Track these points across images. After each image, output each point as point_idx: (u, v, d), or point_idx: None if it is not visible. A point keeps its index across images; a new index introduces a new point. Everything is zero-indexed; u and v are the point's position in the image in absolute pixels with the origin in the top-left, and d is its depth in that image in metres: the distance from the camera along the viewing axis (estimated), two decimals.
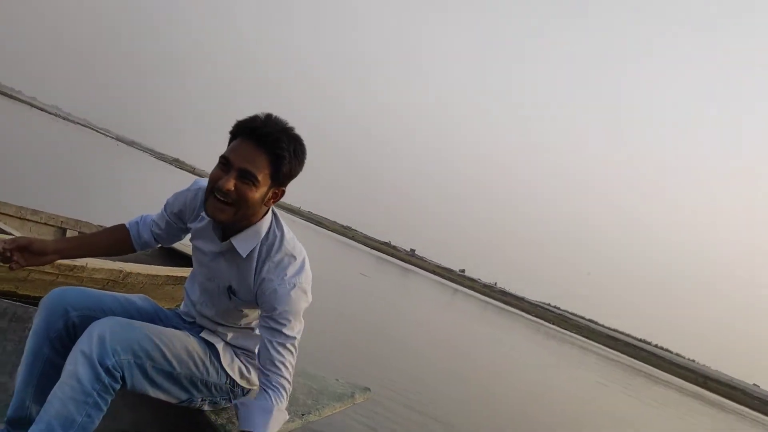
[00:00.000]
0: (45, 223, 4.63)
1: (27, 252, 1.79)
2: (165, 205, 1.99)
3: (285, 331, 1.73)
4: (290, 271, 1.75)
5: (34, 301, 2.88)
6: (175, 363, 1.74)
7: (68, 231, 4.75)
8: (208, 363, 1.85)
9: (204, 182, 1.82)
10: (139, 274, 3.97)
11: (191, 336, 1.86)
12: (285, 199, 1.80)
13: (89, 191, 13.76)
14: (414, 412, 5.40)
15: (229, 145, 1.68)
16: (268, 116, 1.67)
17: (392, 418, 4.90)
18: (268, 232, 1.78)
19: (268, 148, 1.64)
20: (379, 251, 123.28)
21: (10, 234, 3.50)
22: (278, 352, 1.73)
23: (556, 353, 26.02)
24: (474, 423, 6.14)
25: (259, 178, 1.64)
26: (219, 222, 1.72)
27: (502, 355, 15.91)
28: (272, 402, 1.69)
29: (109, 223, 5.33)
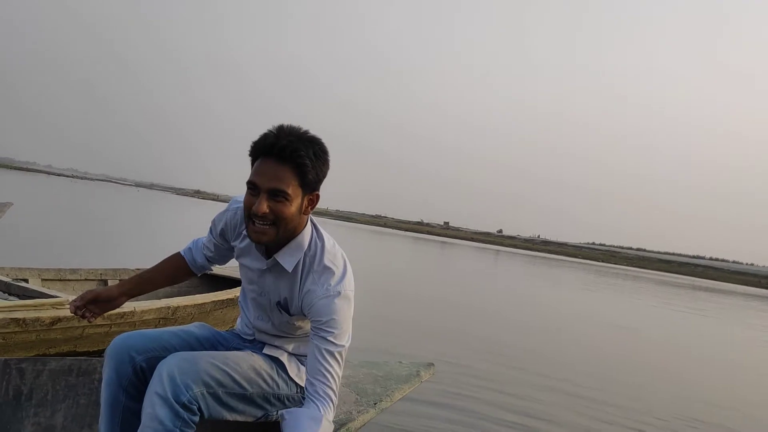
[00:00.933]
0: (85, 279, 4.74)
1: (97, 302, 1.92)
2: (210, 228, 2.03)
3: (332, 339, 1.73)
4: (332, 280, 1.76)
5: (95, 355, 2.95)
6: (245, 384, 1.77)
7: (109, 281, 4.85)
8: (276, 377, 1.88)
9: (241, 198, 1.84)
10: (186, 306, 4.04)
11: (255, 354, 1.90)
12: None
13: (121, 239, 14.03)
14: (480, 381, 5.39)
15: (252, 168, 1.70)
16: (280, 129, 1.66)
17: (460, 391, 4.91)
18: (310, 243, 1.80)
19: (288, 160, 1.64)
20: (413, 231, 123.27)
21: (56, 296, 3.58)
22: (326, 361, 1.72)
23: (610, 287, 25.79)
24: (533, 371, 6.12)
25: (290, 192, 1.65)
26: (265, 244, 1.75)
27: (558, 304, 15.80)
28: (320, 411, 1.67)
29: (146, 264, 5.44)
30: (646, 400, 5.62)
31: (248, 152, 1.70)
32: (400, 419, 3.85)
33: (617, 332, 11.10)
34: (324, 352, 1.71)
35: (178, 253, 2.12)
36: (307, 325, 1.92)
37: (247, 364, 1.81)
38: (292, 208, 1.68)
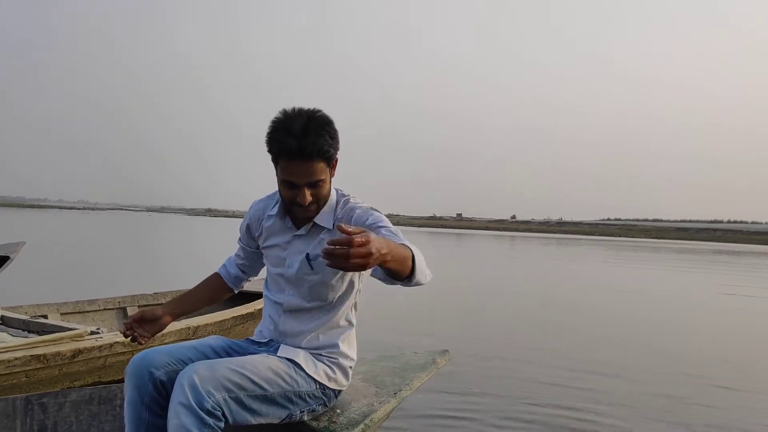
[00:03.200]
0: (104, 309, 4.72)
1: (143, 322, 2.02)
2: (239, 237, 2.20)
3: (386, 224, 1.82)
4: (361, 205, 1.94)
5: (120, 383, 2.91)
6: (265, 385, 1.79)
7: (128, 308, 4.83)
8: (294, 374, 1.90)
9: (258, 202, 2.11)
10: (207, 324, 4.01)
11: (270, 356, 1.92)
12: None
13: (136, 266, 14.07)
14: (495, 365, 5.38)
15: (276, 164, 1.83)
16: (292, 123, 1.75)
17: (476, 374, 4.93)
18: (337, 201, 1.98)
19: (316, 156, 1.77)
20: (426, 227, 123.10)
21: (74, 329, 3.55)
22: (392, 235, 1.73)
23: (627, 261, 25.58)
24: (551, 354, 6.03)
25: (323, 177, 1.83)
26: (310, 218, 1.93)
27: (573, 282, 15.66)
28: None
29: (163, 288, 5.41)
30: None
31: (267, 149, 1.82)
32: (423, 406, 3.86)
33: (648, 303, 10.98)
34: (384, 231, 1.75)
35: (215, 272, 2.28)
36: (337, 285, 1.98)
37: (264, 365, 1.83)
38: (327, 185, 1.89)
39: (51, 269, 12.12)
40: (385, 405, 2.16)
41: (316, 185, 1.83)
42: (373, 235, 1.36)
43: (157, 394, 1.79)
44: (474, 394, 4.37)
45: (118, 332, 3.62)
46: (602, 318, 9.03)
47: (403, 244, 1.59)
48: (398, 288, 1.74)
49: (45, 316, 4.29)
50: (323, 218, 1.95)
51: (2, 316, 4.05)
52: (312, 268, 1.95)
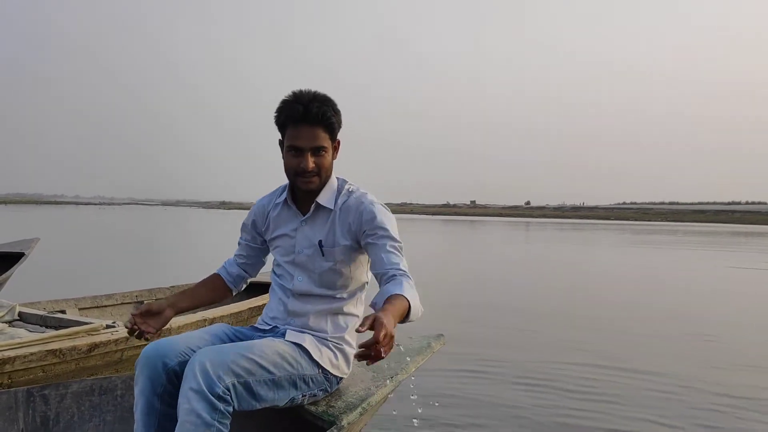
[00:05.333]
0: (121, 303, 4.73)
1: (149, 317, 2.05)
2: (241, 236, 2.31)
3: (391, 233, 1.97)
4: (368, 198, 2.06)
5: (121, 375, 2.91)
6: (272, 368, 1.84)
7: (145, 302, 4.82)
8: (299, 358, 1.95)
9: (261, 199, 2.24)
10: (222, 316, 4.00)
11: (276, 339, 1.98)
12: None
13: (153, 259, 14.18)
14: (489, 349, 5.42)
15: (283, 132, 2.01)
16: (300, 96, 1.95)
17: (471, 358, 4.97)
18: (338, 184, 2.12)
19: (321, 123, 1.95)
20: (440, 214, 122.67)
21: (90, 323, 3.55)
22: (393, 253, 1.93)
23: (641, 243, 25.36)
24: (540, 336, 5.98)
25: (326, 146, 1.99)
26: (312, 191, 2.03)
27: (586, 267, 15.54)
28: (406, 280, 1.85)
29: (180, 281, 5.44)
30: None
31: (275, 120, 2.01)
32: (419, 389, 3.88)
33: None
34: (389, 246, 1.94)
35: (215, 273, 2.35)
36: (346, 272, 2.07)
37: (271, 349, 1.88)
38: (329, 158, 2.03)
39: (69, 265, 12.24)
40: (382, 389, 2.19)
41: (318, 152, 1.98)
42: (384, 319, 1.51)
43: (170, 384, 1.82)
44: (470, 376, 4.43)
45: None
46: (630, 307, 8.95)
47: (399, 294, 1.73)
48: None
49: (63, 311, 4.29)
50: (325, 198, 2.07)
51: (20, 312, 4.06)
52: (323, 255, 2.05)
